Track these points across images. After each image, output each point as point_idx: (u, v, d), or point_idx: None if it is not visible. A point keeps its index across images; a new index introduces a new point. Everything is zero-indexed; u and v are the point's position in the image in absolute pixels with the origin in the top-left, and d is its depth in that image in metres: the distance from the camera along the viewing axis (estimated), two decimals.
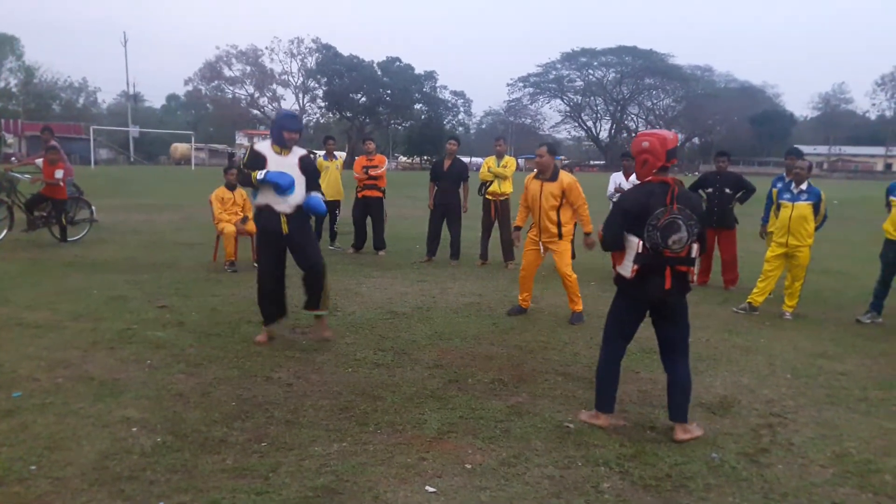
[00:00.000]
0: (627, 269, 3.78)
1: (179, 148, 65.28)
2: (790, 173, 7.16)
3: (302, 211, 5.31)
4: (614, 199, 9.14)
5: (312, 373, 4.74)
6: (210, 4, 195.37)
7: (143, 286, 7.36)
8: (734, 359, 5.44)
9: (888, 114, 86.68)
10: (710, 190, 8.41)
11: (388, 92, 76.98)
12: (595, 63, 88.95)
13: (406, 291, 7.54)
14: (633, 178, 9.06)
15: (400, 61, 78.52)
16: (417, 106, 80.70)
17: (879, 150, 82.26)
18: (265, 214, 5.30)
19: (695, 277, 3.87)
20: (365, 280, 8.16)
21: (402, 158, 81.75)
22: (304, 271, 5.38)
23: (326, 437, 3.69)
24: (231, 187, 8.96)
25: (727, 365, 5.27)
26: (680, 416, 3.84)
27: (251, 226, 8.85)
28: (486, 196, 9.62)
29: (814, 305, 7.45)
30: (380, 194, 10.13)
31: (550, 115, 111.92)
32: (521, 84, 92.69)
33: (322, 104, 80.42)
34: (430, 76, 79.64)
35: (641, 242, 3.70)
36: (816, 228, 6.88)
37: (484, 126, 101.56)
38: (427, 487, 3.18)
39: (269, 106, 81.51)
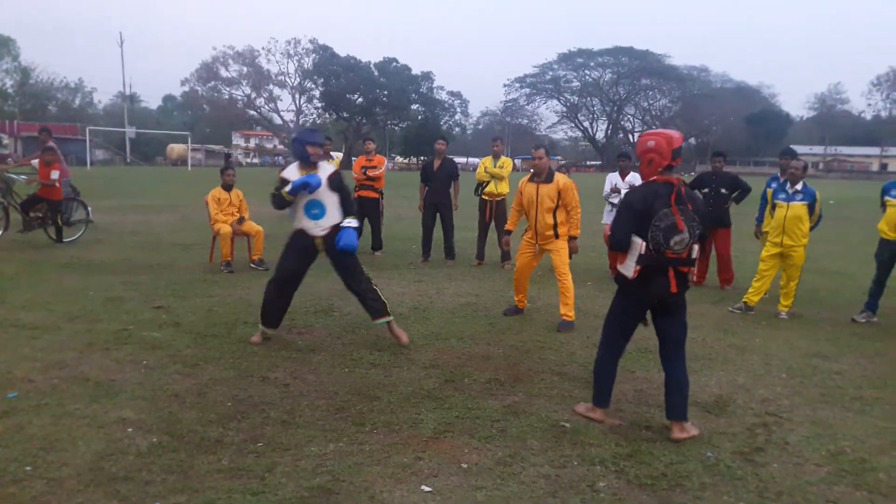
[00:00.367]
0: (630, 269, 3.79)
1: (176, 149, 65.23)
2: (785, 173, 7.18)
3: (338, 230, 5.23)
4: (610, 199, 9.18)
5: (309, 373, 4.74)
6: (207, 5, 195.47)
7: (140, 287, 7.35)
8: (730, 358, 5.46)
9: (883, 114, 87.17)
10: (706, 190, 8.42)
11: (385, 92, 76.87)
12: (591, 64, 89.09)
13: (403, 292, 7.54)
14: (629, 178, 9.10)
15: (397, 62, 78.46)
16: (414, 106, 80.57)
17: (875, 151, 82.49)
18: (300, 236, 5.30)
19: (694, 277, 3.88)
20: None
21: (399, 159, 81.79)
22: (355, 293, 5.37)
23: (323, 437, 3.69)
24: (227, 188, 8.95)
25: (723, 364, 5.28)
26: (677, 414, 3.85)
27: (247, 226, 8.86)
28: (483, 197, 9.63)
29: (809, 305, 7.47)
30: (376, 195, 10.13)
31: (547, 115, 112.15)
32: (517, 85, 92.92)
33: (319, 105, 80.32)
34: (427, 77, 79.58)
35: (645, 244, 3.71)
36: (812, 228, 6.90)
37: (481, 126, 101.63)
38: (423, 487, 3.18)
39: (266, 107, 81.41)
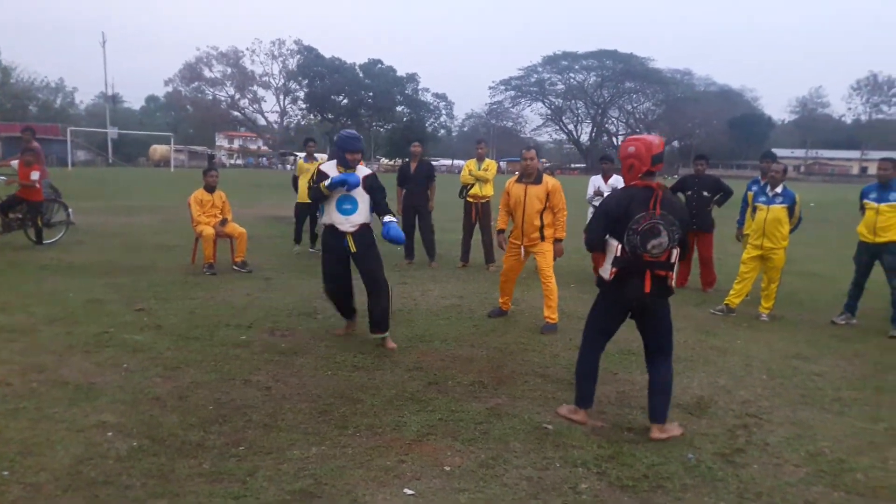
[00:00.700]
0: (607, 271, 3.89)
1: (159, 150, 64.66)
2: (765, 176, 7.26)
3: (367, 230, 5.44)
4: (593, 203, 9.23)
5: (291, 376, 4.71)
6: (190, 5, 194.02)
7: (121, 289, 7.28)
8: (711, 360, 5.50)
9: (864, 118, 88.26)
10: (688, 193, 8.50)
11: (370, 94, 76.88)
12: (576, 66, 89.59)
13: None
14: (612, 180, 9.15)
15: (382, 63, 78.46)
16: (399, 108, 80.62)
17: (855, 154, 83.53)
18: (330, 234, 5.45)
19: (672, 281, 3.92)
20: None
21: (384, 160, 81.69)
22: (369, 293, 5.47)
23: (305, 440, 3.68)
24: (210, 189, 8.89)
25: (704, 366, 5.33)
26: (659, 417, 3.89)
27: (230, 228, 8.81)
28: (468, 199, 9.65)
29: (789, 307, 7.55)
30: None
31: (532, 118, 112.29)
32: (502, 87, 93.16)
33: (303, 106, 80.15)
34: (412, 78, 79.66)
35: (620, 246, 3.77)
36: (791, 231, 6.98)
37: (466, 129, 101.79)
38: (406, 490, 3.18)
39: (250, 108, 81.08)
